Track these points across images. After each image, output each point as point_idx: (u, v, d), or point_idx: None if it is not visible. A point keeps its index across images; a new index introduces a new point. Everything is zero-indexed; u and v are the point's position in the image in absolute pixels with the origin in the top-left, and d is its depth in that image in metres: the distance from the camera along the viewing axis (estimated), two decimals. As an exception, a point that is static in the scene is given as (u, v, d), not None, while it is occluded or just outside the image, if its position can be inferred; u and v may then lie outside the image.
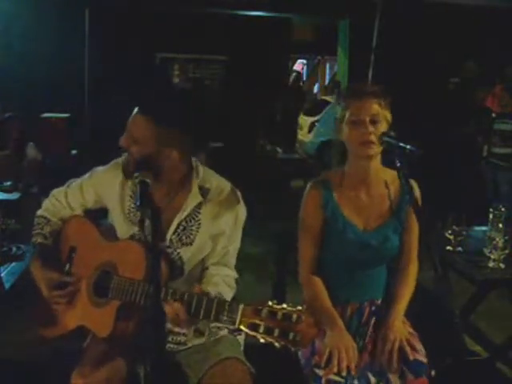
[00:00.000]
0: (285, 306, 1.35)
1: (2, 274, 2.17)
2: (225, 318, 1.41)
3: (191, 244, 1.76)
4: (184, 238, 1.76)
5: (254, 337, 1.34)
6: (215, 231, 1.77)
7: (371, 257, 1.93)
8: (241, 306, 1.38)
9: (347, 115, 1.85)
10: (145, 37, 6.95)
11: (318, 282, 1.94)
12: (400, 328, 1.84)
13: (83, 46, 6.29)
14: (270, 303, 1.36)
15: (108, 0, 6.43)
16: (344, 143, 1.92)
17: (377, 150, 1.84)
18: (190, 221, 1.77)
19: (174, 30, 7.28)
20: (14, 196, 3.94)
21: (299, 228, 1.99)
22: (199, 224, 1.77)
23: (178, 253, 1.76)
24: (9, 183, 4.02)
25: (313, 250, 1.96)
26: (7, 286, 2.08)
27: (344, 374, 1.70)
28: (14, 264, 2.30)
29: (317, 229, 1.95)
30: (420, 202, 1.90)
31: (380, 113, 1.83)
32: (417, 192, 1.93)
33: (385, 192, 1.93)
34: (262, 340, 1.33)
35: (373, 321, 1.94)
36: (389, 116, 1.85)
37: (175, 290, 1.53)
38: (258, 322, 1.34)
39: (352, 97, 1.88)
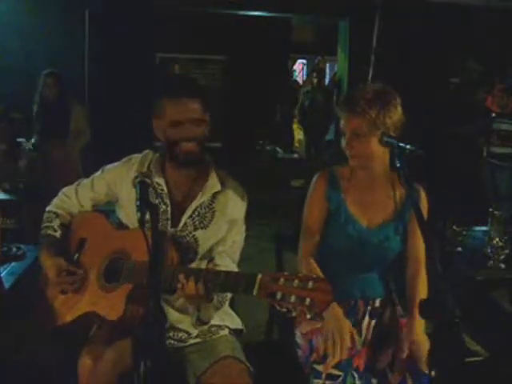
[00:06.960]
0: (301, 274, 1.38)
1: (2, 274, 2.16)
2: (242, 287, 1.44)
3: (206, 228, 1.81)
4: (198, 222, 1.81)
5: (272, 304, 1.37)
6: (229, 218, 1.83)
7: (370, 255, 1.92)
8: (259, 276, 1.41)
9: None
10: (145, 37, 6.94)
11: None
12: (424, 339, 1.79)
13: (83, 46, 6.30)
14: (286, 272, 1.39)
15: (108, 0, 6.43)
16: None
17: (361, 162, 1.85)
18: (205, 208, 1.82)
19: (174, 30, 7.27)
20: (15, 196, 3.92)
21: (303, 219, 1.99)
22: (213, 212, 1.82)
23: (194, 235, 1.80)
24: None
25: (314, 243, 1.96)
26: (7, 285, 2.08)
27: (343, 357, 1.71)
28: (13, 264, 2.30)
29: (320, 220, 1.95)
30: (425, 212, 1.88)
31: (364, 125, 1.78)
32: (423, 200, 1.92)
33: (391, 194, 1.93)
34: (278, 307, 1.36)
35: (373, 322, 1.94)
36: (389, 121, 1.79)
37: (191, 268, 1.57)
38: (275, 289, 1.36)
39: (340, 106, 1.89)
